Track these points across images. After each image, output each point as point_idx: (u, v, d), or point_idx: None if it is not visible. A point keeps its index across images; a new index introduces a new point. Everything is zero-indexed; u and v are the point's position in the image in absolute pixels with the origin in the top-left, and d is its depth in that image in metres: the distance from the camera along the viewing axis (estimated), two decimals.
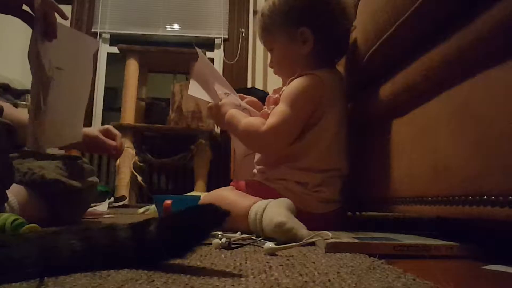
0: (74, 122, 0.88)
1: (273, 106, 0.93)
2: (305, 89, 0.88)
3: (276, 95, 0.94)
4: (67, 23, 3.28)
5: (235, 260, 0.49)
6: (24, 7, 0.73)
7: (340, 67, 1.02)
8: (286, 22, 0.94)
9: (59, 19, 0.76)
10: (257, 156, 0.98)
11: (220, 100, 0.97)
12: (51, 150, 1.05)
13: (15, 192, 0.86)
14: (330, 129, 0.89)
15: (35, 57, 0.70)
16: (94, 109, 3.05)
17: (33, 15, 0.71)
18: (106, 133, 1.10)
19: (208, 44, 3.23)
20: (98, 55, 3.18)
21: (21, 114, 0.91)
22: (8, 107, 0.86)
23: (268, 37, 0.99)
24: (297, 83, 0.89)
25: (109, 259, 0.42)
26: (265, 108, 0.98)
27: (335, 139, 0.90)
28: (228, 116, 0.94)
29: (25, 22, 0.73)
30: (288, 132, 0.88)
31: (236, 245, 0.63)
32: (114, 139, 1.11)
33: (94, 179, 1.10)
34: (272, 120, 0.87)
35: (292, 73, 0.92)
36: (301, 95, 0.88)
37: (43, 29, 0.71)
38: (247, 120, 0.91)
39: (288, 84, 0.91)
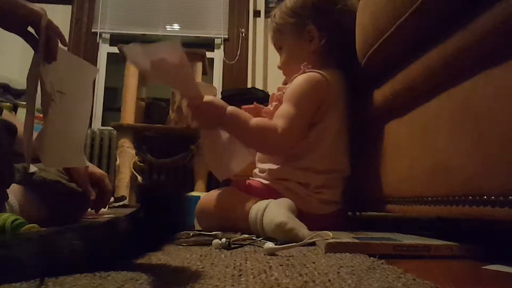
0: (75, 147, 0.88)
1: (276, 103, 0.93)
2: (309, 87, 0.88)
3: (280, 93, 0.94)
4: (66, 23, 3.25)
5: (235, 260, 0.49)
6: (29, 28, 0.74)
7: None
8: (296, 20, 0.97)
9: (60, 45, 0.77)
10: (259, 155, 0.98)
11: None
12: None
13: (15, 192, 0.86)
14: (332, 129, 0.89)
15: (34, 78, 0.71)
16: (94, 109, 3.05)
17: (36, 37, 0.72)
18: (97, 181, 1.03)
19: (208, 44, 3.23)
20: (98, 55, 3.18)
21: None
22: (21, 126, 0.87)
23: (277, 37, 1.02)
24: (300, 80, 0.89)
25: (111, 252, 0.43)
26: (268, 106, 0.98)
27: (337, 139, 0.90)
28: (233, 110, 0.85)
29: (28, 43, 0.74)
30: (297, 133, 0.88)
31: (236, 245, 0.63)
32: (102, 192, 1.03)
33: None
34: (282, 122, 0.85)
35: (298, 71, 0.92)
36: (305, 93, 0.88)
37: (44, 52, 0.72)
38: (258, 120, 0.87)
39: (292, 81, 0.92)
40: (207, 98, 0.83)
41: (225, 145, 0.88)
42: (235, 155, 0.89)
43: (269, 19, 1.06)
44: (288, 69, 1.01)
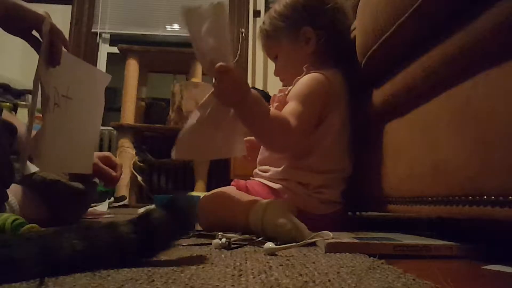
0: (81, 153, 0.88)
1: (277, 104, 0.93)
2: (314, 86, 0.88)
3: (281, 94, 0.94)
4: (66, 23, 3.25)
5: (235, 260, 0.49)
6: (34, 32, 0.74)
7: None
8: (288, 25, 0.96)
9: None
10: (260, 156, 0.98)
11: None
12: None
13: (15, 192, 0.86)
14: (334, 129, 0.89)
15: (38, 81, 0.72)
16: None
17: (41, 40, 0.72)
18: (106, 160, 1.06)
19: None
20: (98, 55, 3.18)
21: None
22: (21, 126, 0.87)
23: (271, 44, 1.00)
24: (306, 80, 0.89)
25: (111, 256, 0.43)
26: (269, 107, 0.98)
27: (338, 139, 0.90)
28: (256, 94, 0.76)
29: (32, 47, 0.75)
30: (305, 131, 0.87)
31: (236, 245, 0.63)
32: (113, 168, 1.06)
33: (94, 180, 1.10)
34: (294, 121, 0.82)
35: (298, 75, 0.92)
36: (312, 91, 0.87)
37: (48, 56, 0.72)
38: (277, 113, 0.82)
39: (295, 83, 0.91)
40: (239, 71, 0.76)
41: (223, 126, 0.79)
42: (226, 142, 0.81)
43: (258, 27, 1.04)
44: (286, 74, 1.00)
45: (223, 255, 0.53)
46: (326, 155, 0.88)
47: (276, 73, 1.03)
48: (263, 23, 1.01)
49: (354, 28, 0.92)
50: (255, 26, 3.21)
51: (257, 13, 3.23)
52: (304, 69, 0.91)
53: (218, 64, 0.70)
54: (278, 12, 0.97)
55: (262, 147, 0.97)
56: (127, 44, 2.59)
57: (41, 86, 0.72)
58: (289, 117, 0.82)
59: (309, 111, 0.86)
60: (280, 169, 0.90)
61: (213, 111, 0.77)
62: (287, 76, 0.99)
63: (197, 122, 0.77)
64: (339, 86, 0.91)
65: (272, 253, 0.55)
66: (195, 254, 0.54)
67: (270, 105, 0.98)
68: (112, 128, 2.65)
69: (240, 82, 0.74)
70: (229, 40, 0.74)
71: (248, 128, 0.80)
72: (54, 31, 0.73)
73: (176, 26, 3.31)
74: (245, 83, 0.75)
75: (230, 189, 0.93)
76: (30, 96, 2.60)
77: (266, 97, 1.06)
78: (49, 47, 0.72)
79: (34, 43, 0.74)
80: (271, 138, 0.84)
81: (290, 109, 0.85)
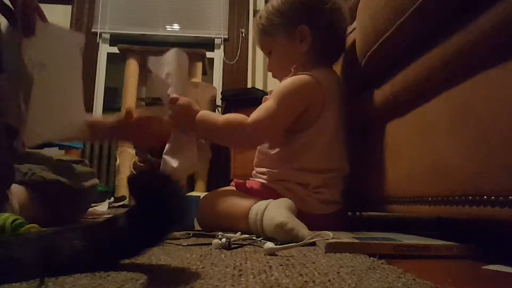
0: (69, 116, 0.86)
1: None
2: (295, 88, 0.88)
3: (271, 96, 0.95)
4: (66, 23, 3.24)
5: (235, 260, 0.49)
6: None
7: (340, 67, 1.02)
8: (284, 21, 0.95)
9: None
10: (256, 159, 0.98)
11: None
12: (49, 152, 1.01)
13: (15, 192, 0.86)
14: (328, 129, 0.89)
15: (14, 54, 0.70)
16: (94, 109, 3.06)
17: (13, 10, 0.71)
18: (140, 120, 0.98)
19: (208, 44, 3.23)
20: (98, 55, 3.18)
21: None
22: None
23: (266, 39, 1.00)
24: (288, 81, 0.90)
25: (111, 252, 0.43)
26: None
27: (334, 139, 0.90)
28: (202, 114, 0.88)
29: (5, 17, 0.72)
30: (272, 127, 0.87)
31: (236, 245, 0.63)
32: (152, 123, 0.97)
33: (94, 180, 1.10)
34: (256, 114, 0.87)
35: (289, 73, 0.92)
36: (290, 92, 0.88)
37: (21, 26, 0.71)
38: (226, 116, 0.89)
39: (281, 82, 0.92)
40: (185, 99, 0.88)
41: (183, 146, 0.89)
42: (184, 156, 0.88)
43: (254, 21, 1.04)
44: (279, 71, 1.00)
45: (223, 255, 0.53)
46: (323, 155, 0.89)
47: (269, 68, 1.03)
48: (259, 17, 1.00)
49: (354, 29, 0.92)
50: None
51: (257, 13, 3.23)
52: (292, 69, 0.91)
53: (170, 96, 0.86)
54: (276, 7, 0.96)
55: (257, 150, 0.98)
56: (127, 44, 2.59)
57: (15, 56, 0.70)
58: (254, 112, 0.87)
59: (281, 109, 0.86)
60: (277, 170, 0.90)
61: (174, 140, 0.89)
62: (280, 73, 0.99)
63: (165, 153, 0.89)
64: (330, 86, 0.91)
65: (272, 253, 0.55)
66: (195, 254, 0.54)
67: None
68: None
69: (187, 107, 0.87)
70: (183, 81, 0.90)
71: (210, 140, 0.93)
72: (27, 2, 0.71)
73: (176, 26, 3.32)
74: (191, 110, 0.87)
75: (229, 189, 0.93)
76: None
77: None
78: (22, 17, 0.70)
79: (7, 14, 0.71)
80: (223, 139, 0.94)
81: (263, 105, 0.89)
